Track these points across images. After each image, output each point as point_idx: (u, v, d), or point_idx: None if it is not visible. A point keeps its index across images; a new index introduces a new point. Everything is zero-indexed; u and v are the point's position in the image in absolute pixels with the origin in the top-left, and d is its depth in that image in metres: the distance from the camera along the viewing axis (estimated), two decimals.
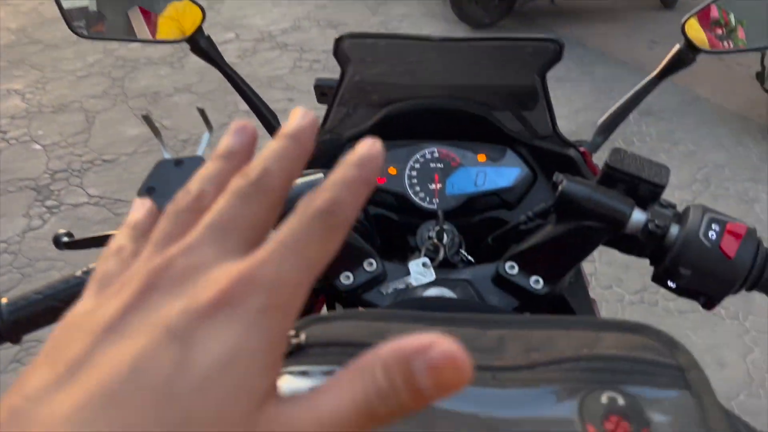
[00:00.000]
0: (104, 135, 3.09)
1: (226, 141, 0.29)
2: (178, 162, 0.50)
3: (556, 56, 0.83)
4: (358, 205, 0.26)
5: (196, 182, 0.28)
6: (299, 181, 0.66)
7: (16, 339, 0.60)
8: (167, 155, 0.52)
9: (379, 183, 0.85)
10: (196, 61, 3.89)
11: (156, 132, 0.53)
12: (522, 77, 0.87)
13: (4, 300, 0.59)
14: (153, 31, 0.88)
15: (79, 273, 0.62)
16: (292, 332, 0.40)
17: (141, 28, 0.88)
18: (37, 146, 2.99)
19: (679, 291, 0.64)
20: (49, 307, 0.59)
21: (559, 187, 0.64)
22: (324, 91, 1.05)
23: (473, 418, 0.32)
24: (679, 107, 3.35)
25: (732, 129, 3.21)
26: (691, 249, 0.59)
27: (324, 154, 0.88)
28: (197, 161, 0.51)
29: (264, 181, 0.26)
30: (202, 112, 0.52)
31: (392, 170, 0.85)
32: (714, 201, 2.67)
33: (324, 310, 1.01)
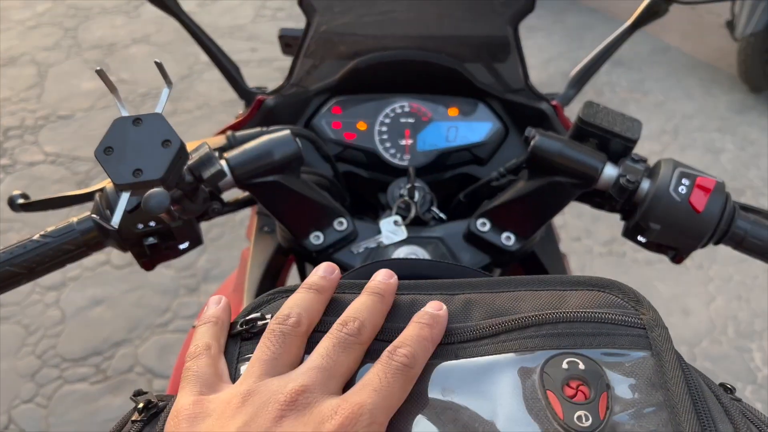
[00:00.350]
0: (58, 89, 2.95)
1: (317, 278, 0.38)
2: (136, 120, 0.46)
3: (528, 6, 0.79)
4: (428, 357, 0.33)
5: (294, 308, 0.36)
6: (268, 137, 0.62)
7: None
8: (125, 112, 0.47)
9: (349, 139, 0.81)
10: (153, 10, 3.72)
11: (112, 88, 0.48)
12: (494, 28, 0.83)
13: None
14: None
15: (36, 237, 0.58)
16: (258, 314, 0.39)
17: None
18: None
19: (649, 245, 0.64)
20: (6, 272, 0.57)
21: (531, 143, 0.63)
22: (288, 41, 0.99)
23: (435, 401, 0.33)
24: (650, 57, 3.33)
25: (701, 79, 3.21)
26: (661, 203, 0.58)
27: (290, 106, 0.83)
28: (157, 118, 0.47)
29: (360, 335, 0.34)
30: (160, 66, 0.47)
31: (362, 125, 0.82)
32: (682, 152, 2.69)
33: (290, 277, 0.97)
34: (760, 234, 0.59)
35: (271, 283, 0.81)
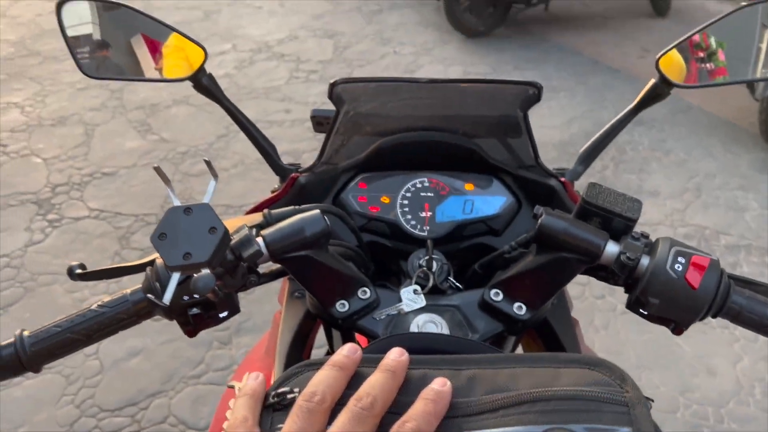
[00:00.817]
0: (103, 148, 3.13)
1: (341, 357, 0.45)
2: (187, 209, 0.55)
3: (535, 98, 0.87)
4: (432, 431, 0.39)
5: (319, 386, 0.42)
6: (300, 217, 0.70)
7: (36, 369, 0.64)
8: (177, 202, 0.56)
9: (373, 212, 0.89)
10: None
11: (166, 181, 0.57)
12: (506, 112, 0.91)
13: (26, 332, 0.63)
14: (158, 71, 0.92)
15: (94, 306, 0.66)
16: (288, 387, 0.45)
17: (147, 69, 0.92)
18: (38, 159, 3.02)
19: (650, 318, 0.68)
20: (67, 339, 0.63)
21: (539, 221, 0.69)
22: (320, 120, 1.09)
23: None
24: (671, 116, 3.40)
25: (723, 137, 3.26)
26: (659, 280, 0.63)
27: (321, 183, 0.92)
28: (205, 208, 0.55)
29: (373, 409, 0.40)
30: (208, 163, 0.56)
31: (385, 199, 0.90)
32: (705, 210, 2.72)
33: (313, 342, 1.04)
34: (755, 309, 0.64)
35: (301, 346, 0.87)
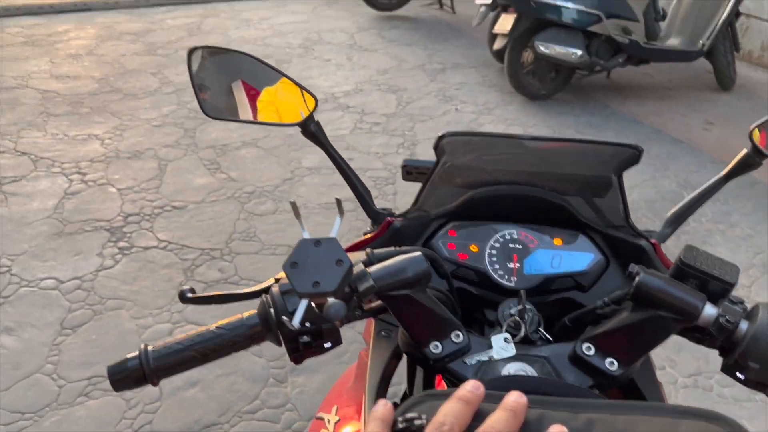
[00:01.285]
0: (174, 182, 3.27)
1: (467, 392, 0.49)
2: (316, 242, 0.60)
3: (634, 160, 0.90)
4: None
5: (448, 417, 0.46)
6: (404, 257, 0.73)
7: (156, 382, 0.68)
8: (306, 235, 0.61)
9: (462, 259, 0.93)
10: None
11: (297, 215, 0.62)
12: (600, 171, 0.94)
13: (150, 347, 0.68)
14: (271, 115, 1.00)
15: (213, 327, 0.70)
16: (415, 413, 0.48)
17: (262, 113, 0.99)
18: (113, 189, 3.18)
19: (748, 382, 0.68)
20: (186, 356, 0.68)
21: (636, 279, 0.71)
22: (410, 171, 1.14)
23: None
24: (736, 190, 3.35)
25: None
26: (760, 344, 0.64)
27: (413, 228, 0.96)
28: (333, 242, 0.60)
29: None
30: (338, 202, 0.61)
31: (474, 248, 0.93)
32: None
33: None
34: None
35: (387, 383, 0.90)
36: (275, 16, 6.44)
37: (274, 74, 0.98)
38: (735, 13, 4.31)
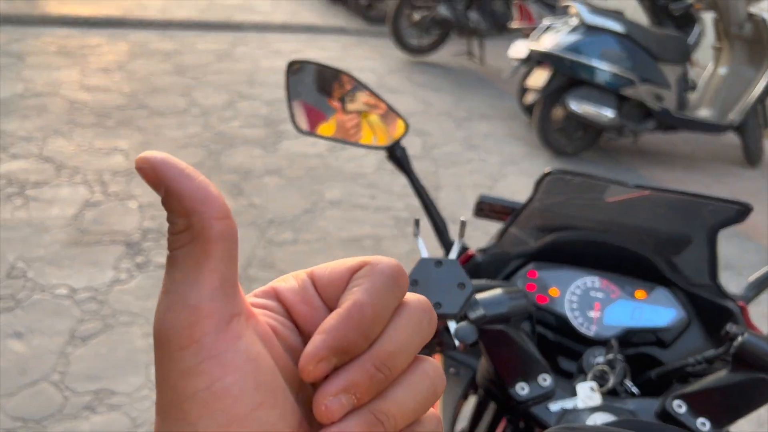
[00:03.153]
0: None
1: None
2: (437, 263, 0.57)
3: (737, 219, 0.86)
4: None
5: None
6: (481, 296, 0.69)
7: None
8: (425, 254, 0.59)
9: (541, 302, 0.87)
10: (287, 147, 4.08)
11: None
12: (692, 230, 0.90)
13: None
14: (361, 136, 0.96)
15: None
16: None
17: (351, 133, 0.95)
18: (134, 204, 3.14)
19: None
20: None
21: (739, 339, 0.67)
22: (483, 207, 1.09)
23: None
24: None
25: None
26: None
27: (493, 264, 0.91)
28: (455, 264, 0.57)
29: None
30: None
31: (554, 291, 0.88)
32: None
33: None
34: None
35: (455, 420, 0.85)
36: (305, 49, 6.52)
37: (369, 96, 0.94)
38: (767, 91, 4.34)
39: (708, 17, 4.73)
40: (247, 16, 7.38)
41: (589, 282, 0.89)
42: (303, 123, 0.95)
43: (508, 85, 5.74)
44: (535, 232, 0.92)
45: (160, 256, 2.74)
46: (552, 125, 4.33)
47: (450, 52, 6.78)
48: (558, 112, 4.32)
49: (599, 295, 0.88)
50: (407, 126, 0.97)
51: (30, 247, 2.67)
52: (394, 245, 3.06)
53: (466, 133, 4.72)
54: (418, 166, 4.14)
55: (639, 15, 4.88)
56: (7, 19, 6.01)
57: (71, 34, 6.01)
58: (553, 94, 4.22)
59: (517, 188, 3.87)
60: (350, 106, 0.95)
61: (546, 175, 0.84)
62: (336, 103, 0.95)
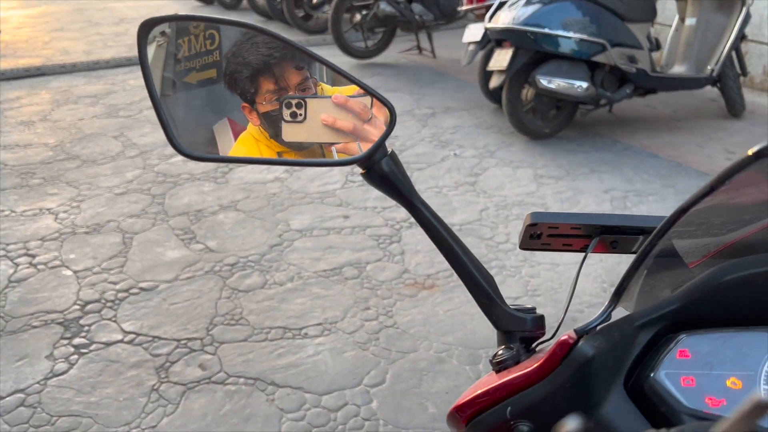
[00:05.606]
0: (142, 258, 2.76)
1: None
2: None
3: None
4: None
5: None
6: None
7: None
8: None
9: (714, 407, 0.47)
10: (241, 176, 3.63)
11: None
12: None
13: None
14: (309, 148, 0.54)
15: None
16: None
17: (290, 143, 0.54)
18: (68, 272, 2.66)
19: None
20: None
21: None
22: (539, 231, 0.66)
23: None
24: None
25: None
26: None
27: (610, 349, 0.50)
28: None
29: None
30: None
31: (735, 382, 0.47)
32: None
33: None
34: None
35: None
36: None
37: (311, 66, 0.53)
38: (741, 37, 4.06)
39: None
40: None
41: None
42: (190, 142, 0.53)
43: (467, 74, 5.38)
44: (673, 276, 0.51)
45: (104, 332, 2.27)
46: (523, 107, 3.97)
47: (399, 50, 6.41)
48: (527, 93, 3.97)
49: None
50: (393, 115, 0.55)
51: None
52: (381, 270, 2.64)
53: (433, 130, 4.34)
54: None
55: None
56: None
57: None
58: (519, 73, 3.86)
59: (502, 181, 3.49)
60: (274, 93, 0.53)
61: (756, 157, 0.42)
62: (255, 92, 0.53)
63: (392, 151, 0.56)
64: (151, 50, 0.53)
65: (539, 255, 2.71)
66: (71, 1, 10.87)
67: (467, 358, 2.13)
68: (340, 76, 0.55)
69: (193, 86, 0.55)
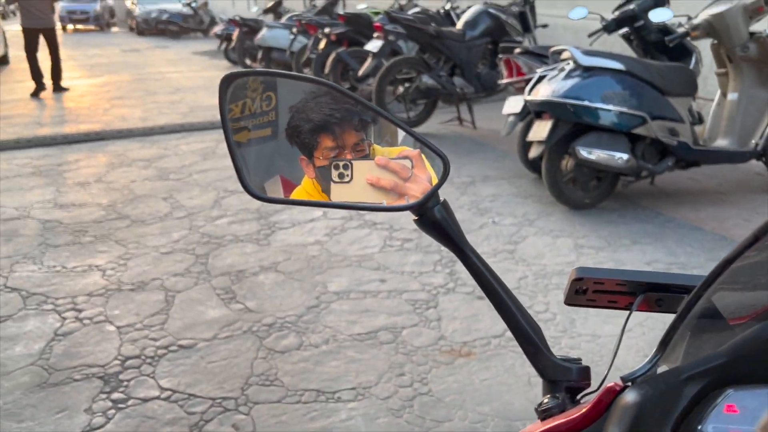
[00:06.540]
0: (183, 317, 2.82)
1: None
2: None
3: None
4: None
5: None
6: None
7: None
8: None
9: None
10: (282, 238, 3.71)
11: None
12: None
13: None
14: (368, 193, 0.58)
15: None
16: None
17: (353, 188, 0.58)
18: (111, 327, 2.73)
19: None
20: None
21: None
22: (584, 287, 0.66)
23: None
24: None
25: None
26: None
27: (657, 400, 0.50)
28: None
29: None
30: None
31: None
32: None
33: None
34: None
35: None
36: None
37: (368, 129, 0.58)
38: None
39: (702, 45, 4.49)
40: None
41: None
42: (260, 186, 0.57)
43: (506, 144, 5.46)
44: (724, 331, 0.51)
45: (142, 388, 2.30)
46: (563, 177, 3.98)
47: (439, 121, 6.57)
48: (567, 163, 3.99)
49: None
50: (447, 166, 0.59)
51: None
52: (417, 336, 2.63)
53: (471, 198, 4.38)
54: (427, 240, 3.78)
55: (628, 54, 4.65)
56: None
57: (48, 154, 5.79)
58: (559, 144, 3.89)
59: (541, 250, 3.47)
60: (338, 143, 0.58)
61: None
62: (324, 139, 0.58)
63: (444, 200, 0.60)
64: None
65: (580, 326, 2.66)
66: (132, 71, 11.57)
67: (504, 430, 2.07)
68: (398, 137, 0.60)
69: (249, 143, 0.60)
